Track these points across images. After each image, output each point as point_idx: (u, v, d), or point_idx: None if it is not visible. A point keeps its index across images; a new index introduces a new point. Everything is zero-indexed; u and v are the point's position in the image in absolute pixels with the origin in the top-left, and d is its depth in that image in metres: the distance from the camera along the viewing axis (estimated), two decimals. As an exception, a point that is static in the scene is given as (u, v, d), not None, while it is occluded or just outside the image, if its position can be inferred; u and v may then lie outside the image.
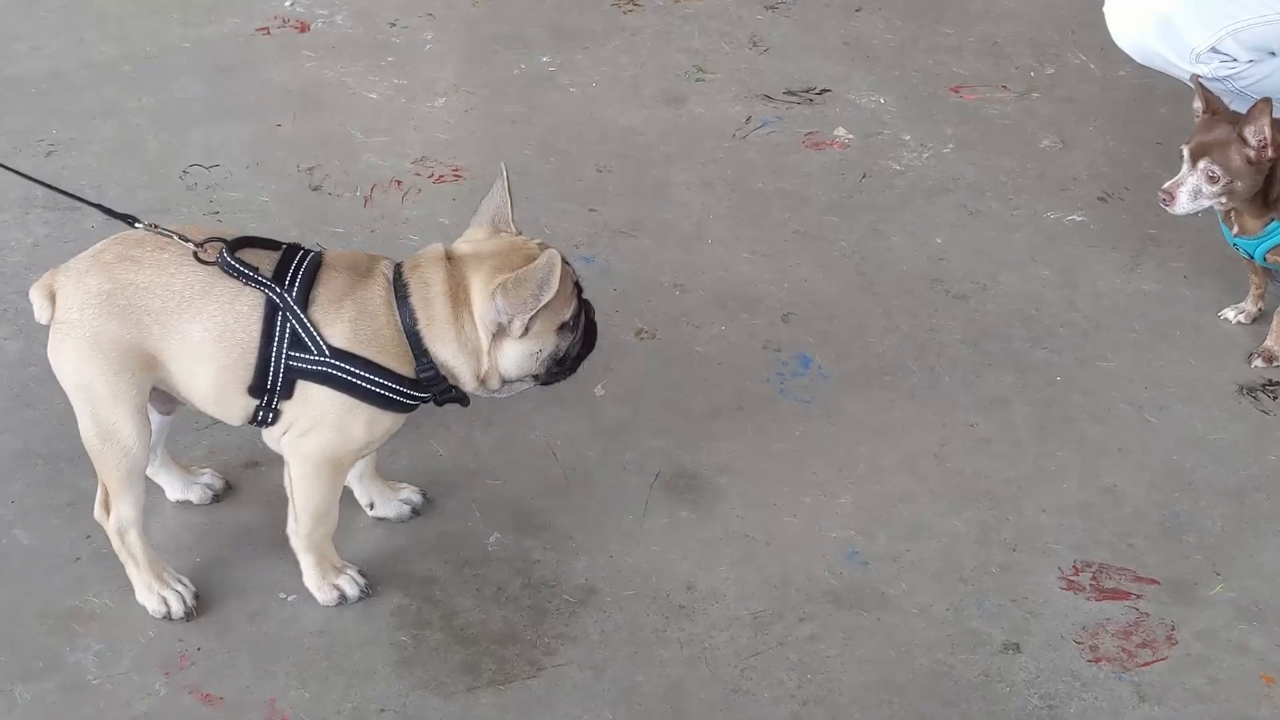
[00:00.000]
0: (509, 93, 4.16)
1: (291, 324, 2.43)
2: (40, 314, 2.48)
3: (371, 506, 2.82)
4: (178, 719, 2.44)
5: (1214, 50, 3.19)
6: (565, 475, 2.93)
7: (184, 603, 2.61)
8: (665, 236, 3.59)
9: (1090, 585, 2.71)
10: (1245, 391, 3.14)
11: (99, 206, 2.64)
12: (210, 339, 2.44)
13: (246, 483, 2.87)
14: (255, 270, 2.44)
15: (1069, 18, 4.53)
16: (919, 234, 3.60)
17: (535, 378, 2.57)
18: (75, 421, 2.51)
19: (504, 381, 2.55)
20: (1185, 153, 3.05)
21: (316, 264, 2.49)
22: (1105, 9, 3.38)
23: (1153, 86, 4.05)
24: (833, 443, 3.01)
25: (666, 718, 2.47)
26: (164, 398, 2.60)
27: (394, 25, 4.49)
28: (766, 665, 2.56)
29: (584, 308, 2.61)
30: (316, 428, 2.50)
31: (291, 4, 4.58)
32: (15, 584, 2.66)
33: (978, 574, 2.73)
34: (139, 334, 2.44)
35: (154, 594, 2.61)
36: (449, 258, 2.53)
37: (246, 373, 2.45)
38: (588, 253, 3.50)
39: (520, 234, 2.61)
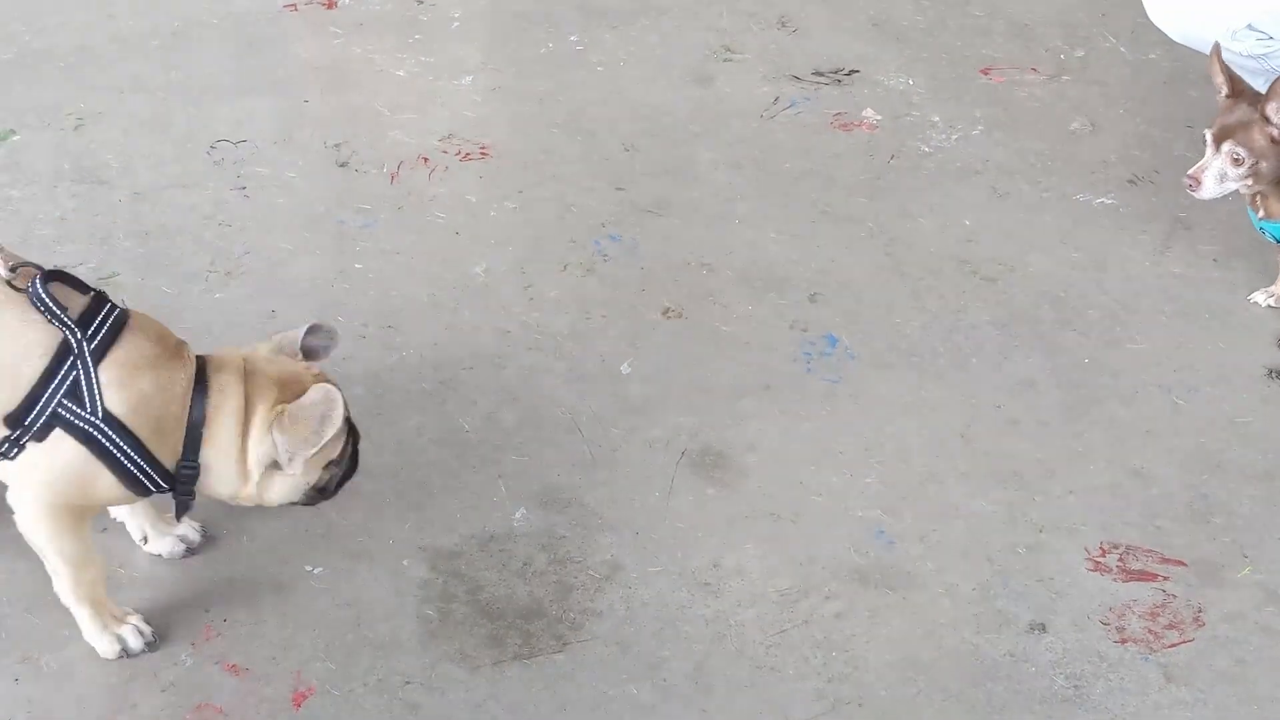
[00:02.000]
0: (536, 71, 4.15)
1: (78, 373, 2.30)
2: None
3: (145, 541, 2.70)
4: (204, 689, 2.44)
5: (1250, 27, 3.16)
6: (591, 452, 2.92)
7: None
8: (692, 215, 3.58)
9: (1117, 566, 2.70)
10: (1274, 375, 3.13)
11: None
12: None
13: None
14: (64, 309, 2.32)
15: (1099, 0, 4.50)
16: (947, 215, 3.59)
17: (302, 503, 2.53)
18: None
19: (268, 505, 2.50)
20: (1208, 137, 3.04)
21: (121, 322, 2.37)
22: (1141, -14, 3.37)
23: (1184, 70, 4.03)
24: (860, 422, 3.00)
25: (692, 694, 2.47)
26: None
27: (422, 3, 4.48)
28: (792, 643, 2.56)
29: (352, 438, 2.55)
30: (57, 481, 2.36)
31: (319, -19, 4.57)
32: (43, 554, 2.67)
33: (1004, 554, 2.72)
34: None
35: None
36: (245, 370, 2.44)
37: (10, 403, 2.30)
38: (615, 231, 3.50)
39: (302, 362, 2.53)
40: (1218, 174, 3.02)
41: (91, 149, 3.64)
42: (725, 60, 4.21)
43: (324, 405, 2.38)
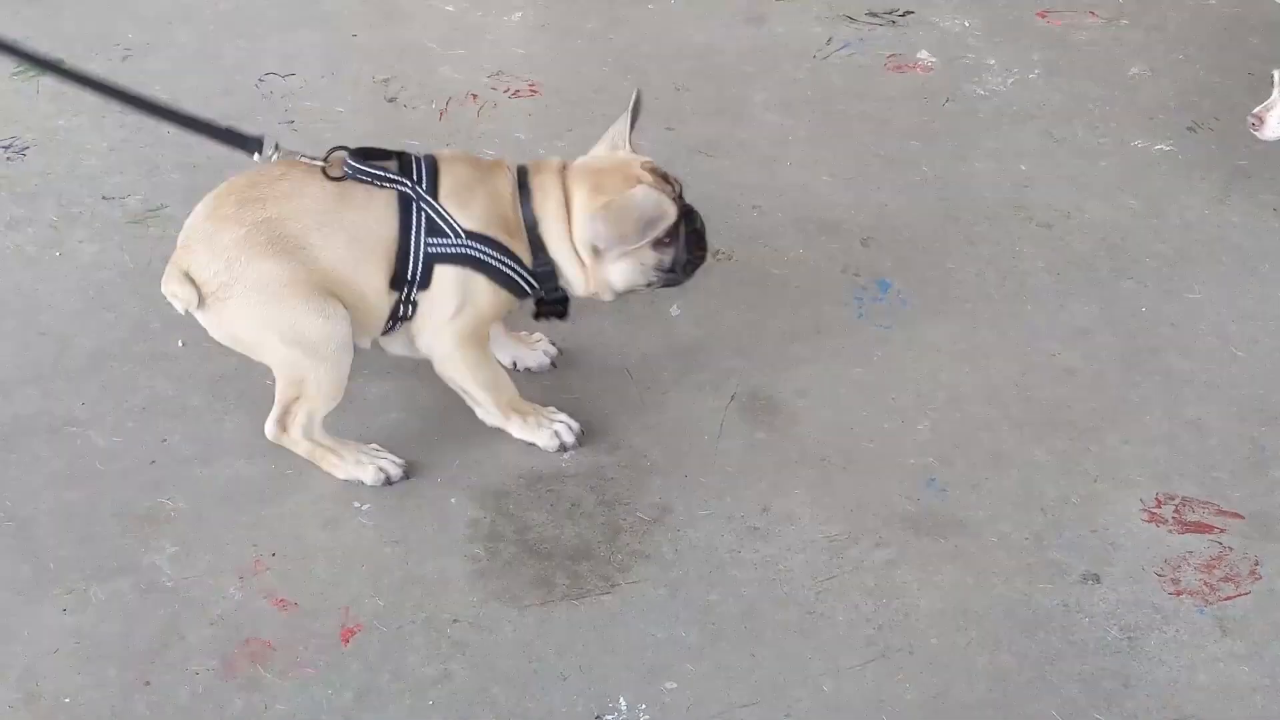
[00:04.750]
0: (586, 8, 4.11)
1: (426, 213, 2.57)
2: (185, 301, 2.53)
3: (515, 365, 2.94)
4: (252, 623, 2.44)
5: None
6: (640, 394, 2.90)
7: (399, 468, 2.71)
8: (744, 157, 3.54)
9: (1173, 518, 2.67)
10: (1335, 328, 3.08)
11: (221, 131, 2.69)
12: (353, 242, 2.55)
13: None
14: (384, 170, 2.58)
15: (1160, -56, 4.43)
16: (1003, 160, 3.54)
17: (649, 285, 2.69)
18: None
19: (615, 292, 2.68)
20: (1276, 77, 2.98)
21: (434, 162, 2.63)
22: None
23: (1244, 15, 3.96)
24: (912, 369, 2.97)
25: (741, 638, 2.45)
26: None
27: (471, -62, 4.43)
28: (842, 589, 2.53)
29: (684, 218, 2.67)
30: (452, 315, 2.63)
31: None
32: (90, 485, 2.66)
33: (1058, 504, 2.69)
34: (293, 263, 2.50)
35: (367, 467, 2.69)
36: (564, 169, 2.66)
37: (389, 266, 2.57)
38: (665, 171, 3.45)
39: (635, 153, 2.70)
40: (1283, 114, 2.97)
41: (139, 80, 3.60)
42: (778, 0, 4.15)
43: (649, 209, 2.57)
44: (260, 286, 2.49)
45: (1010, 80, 3.82)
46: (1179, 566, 2.58)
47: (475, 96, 3.71)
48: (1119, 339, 3.04)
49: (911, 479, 2.74)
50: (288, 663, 2.37)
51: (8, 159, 3.44)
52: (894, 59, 3.90)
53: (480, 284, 2.62)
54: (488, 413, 2.75)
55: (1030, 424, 2.85)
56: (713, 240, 3.20)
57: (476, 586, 2.51)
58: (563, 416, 2.79)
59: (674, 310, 3.08)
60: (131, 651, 2.38)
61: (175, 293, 2.52)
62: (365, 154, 2.62)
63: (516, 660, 2.39)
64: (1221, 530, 2.64)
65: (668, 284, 2.72)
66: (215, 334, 2.59)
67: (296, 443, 2.65)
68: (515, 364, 2.94)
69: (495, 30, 3.99)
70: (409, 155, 2.65)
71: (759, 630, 2.46)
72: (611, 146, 2.71)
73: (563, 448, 2.76)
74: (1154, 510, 2.68)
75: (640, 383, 2.92)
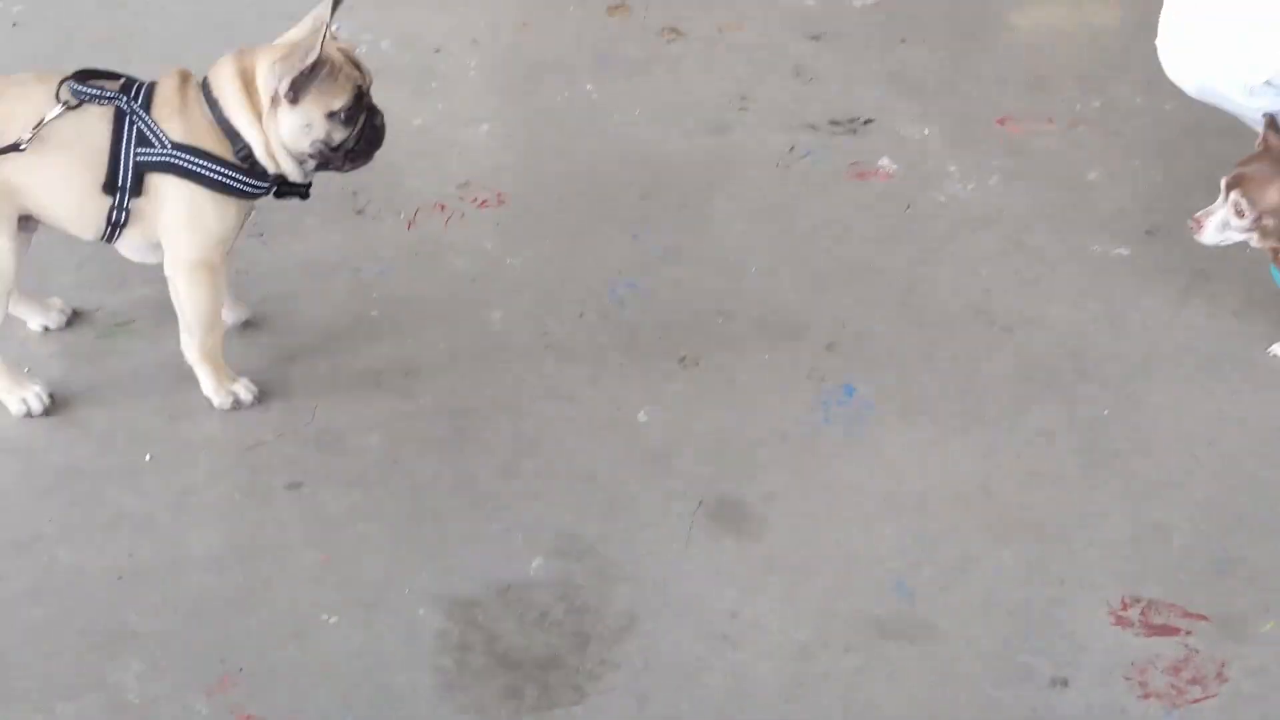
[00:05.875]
0: (552, 119, 4.16)
1: (138, 126, 2.83)
2: None
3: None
4: (219, 739, 2.43)
5: (1269, 83, 3.15)
6: (609, 501, 2.91)
7: (41, 401, 3.04)
8: (708, 264, 3.58)
9: (1139, 620, 2.68)
10: (1296, 428, 3.12)
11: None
12: (67, 147, 2.82)
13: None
14: (103, 89, 2.86)
15: (1115, 50, 4.51)
16: (964, 266, 3.58)
17: (314, 158, 2.93)
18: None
19: (288, 154, 2.90)
20: (1223, 183, 3.03)
21: (152, 85, 2.90)
22: (1158, 42, 3.35)
23: (1201, 121, 4.01)
24: (879, 473, 2.99)
25: (711, 747, 2.45)
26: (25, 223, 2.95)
27: (439, 51, 4.49)
28: (812, 696, 2.53)
29: (367, 112, 2.96)
30: (178, 231, 2.91)
31: (337, 29, 4.57)
32: (57, 601, 2.66)
33: (1025, 607, 2.70)
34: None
35: (14, 396, 3.03)
36: (246, 52, 2.91)
37: (100, 172, 2.83)
38: (631, 279, 3.49)
39: (334, 38, 2.94)
40: (1220, 222, 3.01)
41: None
42: (741, 109, 4.21)
43: (310, 39, 2.81)
44: None
45: (970, 186, 3.88)
46: (1146, 669, 2.59)
47: (443, 207, 3.75)
48: (1082, 442, 3.06)
49: (879, 583, 2.75)
50: (255, 779, 2.36)
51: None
52: (855, 166, 3.95)
53: (199, 195, 2.87)
54: (189, 348, 3.04)
55: (996, 527, 2.86)
56: (678, 347, 3.25)
57: (446, 700, 2.51)
58: (245, 380, 3.08)
59: (641, 417, 3.10)
60: (97, 770, 2.37)
61: None
62: (89, 74, 2.88)
63: (486, 773, 2.38)
64: (1188, 633, 2.66)
65: (325, 163, 2.95)
66: None
67: None
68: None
69: (463, 142, 4.04)
70: (131, 78, 2.91)
71: (729, 739, 2.46)
72: (313, 29, 2.88)
73: (237, 404, 3.06)
74: (1120, 613, 2.69)
75: (608, 489, 2.93)
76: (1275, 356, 3.28)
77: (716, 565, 2.78)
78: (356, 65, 2.95)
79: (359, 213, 3.71)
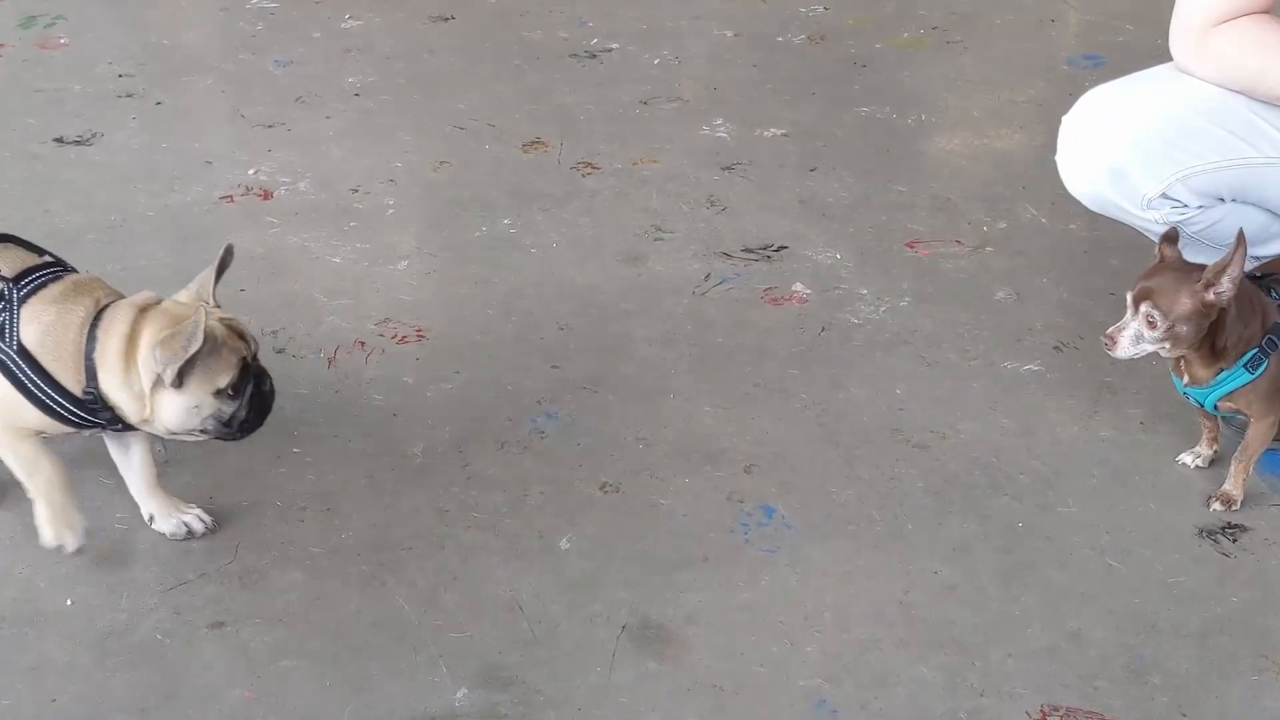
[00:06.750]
0: (471, 254, 4.22)
1: (5, 315, 2.78)
2: None
3: (151, 520, 3.11)
4: None
5: (1164, 196, 3.24)
6: (532, 629, 2.92)
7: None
8: (627, 392, 3.62)
9: (1059, 729, 2.72)
10: (1205, 534, 3.17)
11: None
12: None
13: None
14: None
15: (1020, 174, 4.64)
16: (878, 385, 3.65)
17: (204, 433, 2.88)
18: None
19: (169, 429, 2.86)
20: (1129, 298, 3.10)
21: (56, 276, 2.87)
22: (1057, 158, 3.44)
23: (1103, 239, 4.14)
24: (799, 592, 3.02)
25: None
26: None
27: (356, 191, 4.56)
28: (737, 816, 2.54)
29: (254, 381, 2.92)
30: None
31: (255, 172, 4.65)
32: (-24, 749, 2.63)
33: (946, 720, 2.73)
34: None
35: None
36: (145, 309, 2.85)
37: None
38: (551, 409, 3.53)
39: (217, 307, 2.94)
40: (1134, 335, 3.08)
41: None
42: (656, 239, 4.29)
43: (192, 325, 2.72)
44: None
45: (882, 308, 3.96)
46: (1067, 776, 2.62)
47: (363, 344, 3.78)
48: (998, 554, 3.11)
49: (801, 701, 2.77)
50: None
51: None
52: (770, 292, 4.02)
53: (16, 394, 2.79)
54: (24, 486, 2.95)
55: (915, 641, 2.90)
56: (599, 474, 3.28)
57: (370, 832, 2.50)
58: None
59: (563, 544, 3.13)
60: None
61: None
62: (10, 240, 2.92)
63: None
64: (1106, 738, 2.69)
65: (222, 437, 2.91)
66: None
67: None
68: (151, 519, 3.11)
69: (382, 279, 4.09)
70: (53, 264, 2.90)
71: None
72: (198, 296, 2.92)
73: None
74: (1040, 722, 2.72)
75: (531, 617, 2.95)
76: (1182, 465, 3.35)
77: (641, 689, 2.79)
78: (241, 335, 2.91)
79: (279, 351, 3.74)
